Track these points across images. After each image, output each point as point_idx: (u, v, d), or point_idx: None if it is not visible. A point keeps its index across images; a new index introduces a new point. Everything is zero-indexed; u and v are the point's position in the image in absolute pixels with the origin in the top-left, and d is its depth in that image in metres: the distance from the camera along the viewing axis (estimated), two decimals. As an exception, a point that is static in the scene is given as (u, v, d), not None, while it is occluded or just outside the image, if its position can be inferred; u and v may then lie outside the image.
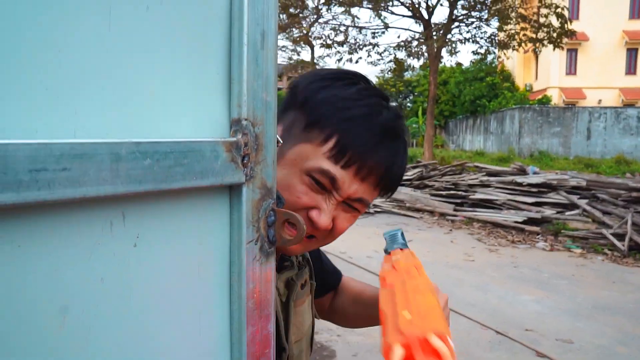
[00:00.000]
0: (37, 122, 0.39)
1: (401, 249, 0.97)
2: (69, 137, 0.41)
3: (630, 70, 31.39)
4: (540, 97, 28.57)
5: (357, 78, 0.85)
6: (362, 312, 1.14)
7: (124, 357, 0.47)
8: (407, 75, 38.80)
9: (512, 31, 17.17)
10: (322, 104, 0.79)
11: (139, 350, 0.48)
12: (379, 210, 11.00)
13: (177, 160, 0.47)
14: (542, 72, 33.29)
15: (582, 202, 8.50)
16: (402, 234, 1.05)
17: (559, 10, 15.84)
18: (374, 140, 0.79)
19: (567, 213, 8.56)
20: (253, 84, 0.54)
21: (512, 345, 4.02)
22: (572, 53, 31.61)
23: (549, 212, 8.69)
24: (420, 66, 32.29)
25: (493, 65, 33.32)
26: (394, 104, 0.86)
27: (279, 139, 0.63)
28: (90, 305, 0.44)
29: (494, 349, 3.97)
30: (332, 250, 6.69)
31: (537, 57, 33.34)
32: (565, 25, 16.13)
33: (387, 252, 0.99)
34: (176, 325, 0.51)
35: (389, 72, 23.09)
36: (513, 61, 35.22)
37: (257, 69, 0.54)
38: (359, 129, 0.78)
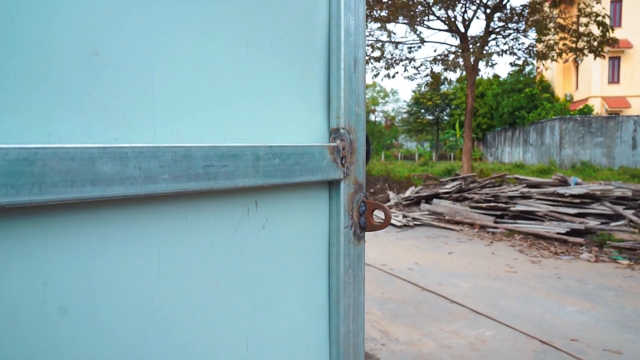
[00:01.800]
0: (205, 131, 0.53)
1: None
2: (226, 141, 0.55)
3: (677, 77, 30.44)
4: (581, 107, 27.96)
5: None
6: None
7: (254, 308, 0.60)
8: (444, 88, 38.62)
9: (551, 41, 16.94)
10: None
11: (264, 306, 0.61)
12: (418, 223, 11.01)
13: (296, 160, 0.60)
14: (583, 82, 32.60)
15: (628, 213, 8.32)
16: None
17: (599, 18, 15.54)
18: None
19: (612, 224, 8.40)
20: (348, 100, 0.67)
21: (558, 355, 4.01)
22: (615, 61, 30.88)
23: (592, 223, 8.54)
24: (457, 79, 32.08)
25: (531, 76, 32.82)
26: None
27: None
28: (234, 274, 0.58)
29: (539, 358, 3.97)
30: (373, 262, 6.78)
31: (577, 67, 32.68)
32: (607, 34, 15.78)
33: None
34: (290, 294, 0.64)
35: (426, 86, 23.07)
36: (552, 71, 34.61)
37: (350, 88, 0.67)
38: None
